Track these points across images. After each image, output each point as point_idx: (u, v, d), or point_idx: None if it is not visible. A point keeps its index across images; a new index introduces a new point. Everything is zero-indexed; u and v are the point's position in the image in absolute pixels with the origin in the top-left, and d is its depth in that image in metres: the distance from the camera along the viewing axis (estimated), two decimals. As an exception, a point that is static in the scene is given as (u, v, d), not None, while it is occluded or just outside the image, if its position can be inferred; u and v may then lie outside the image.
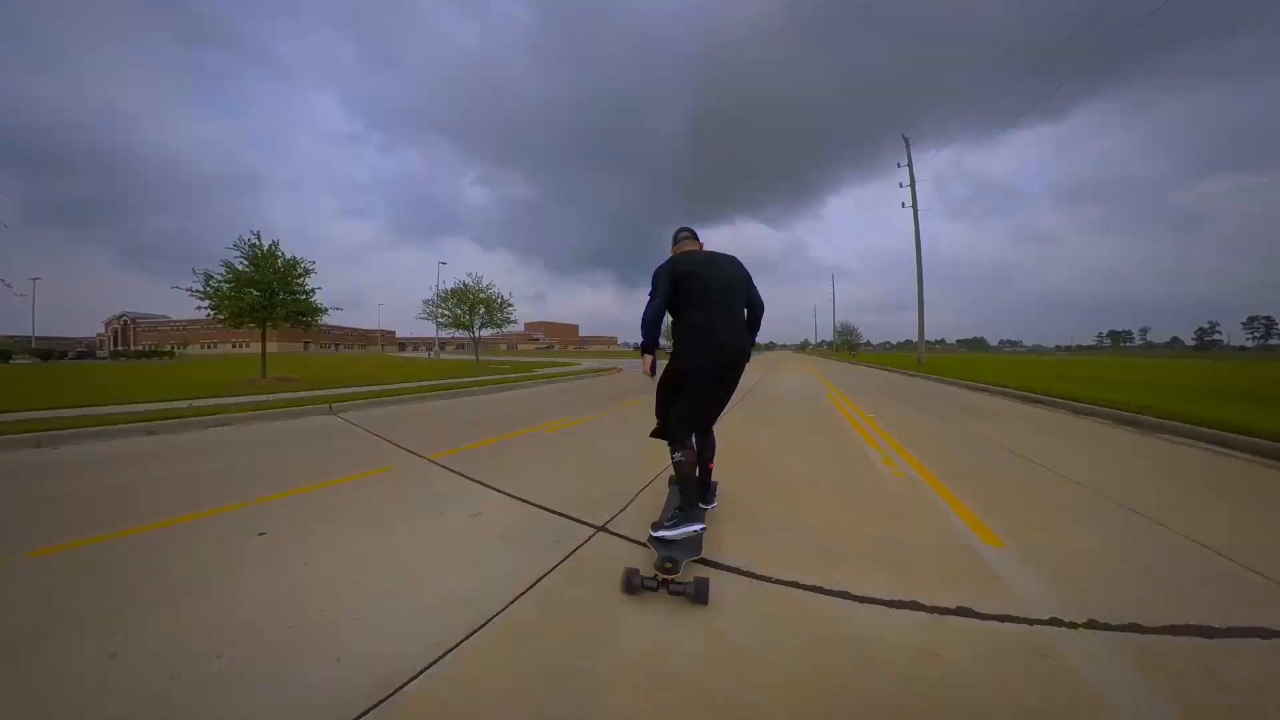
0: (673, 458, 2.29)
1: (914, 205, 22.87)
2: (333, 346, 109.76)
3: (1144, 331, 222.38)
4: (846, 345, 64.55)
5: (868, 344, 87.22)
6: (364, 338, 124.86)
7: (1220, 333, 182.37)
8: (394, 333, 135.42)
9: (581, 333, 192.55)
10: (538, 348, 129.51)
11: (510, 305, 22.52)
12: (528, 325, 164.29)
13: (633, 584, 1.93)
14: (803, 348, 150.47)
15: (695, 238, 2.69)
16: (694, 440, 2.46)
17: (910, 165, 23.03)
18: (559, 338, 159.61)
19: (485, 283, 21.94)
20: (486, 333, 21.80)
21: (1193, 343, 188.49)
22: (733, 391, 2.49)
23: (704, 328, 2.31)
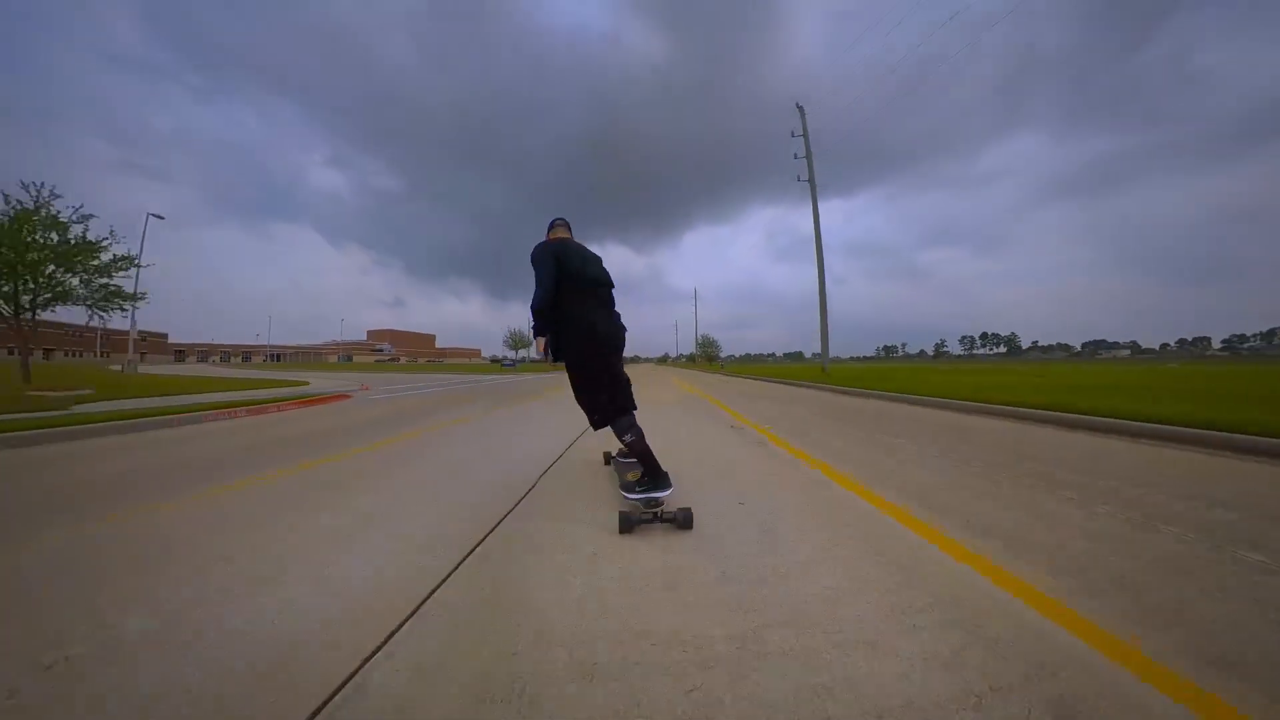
0: (624, 440, 2.25)
1: (811, 180, 17.33)
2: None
3: (904, 345, 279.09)
4: (706, 357, 61.33)
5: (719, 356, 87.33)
6: (76, 339, 73.97)
7: (947, 347, 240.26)
8: (165, 336, 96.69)
9: (441, 344, 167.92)
10: (378, 359, 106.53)
11: (129, 262, 10.59)
12: (371, 333, 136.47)
13: (629, 522, 2.01)
14: (663, 361, 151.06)
15: (568, 228, 2.67)
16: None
17: (806, 136, 17.56)
18: (410, 348, 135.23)
19: (53, 208, 9.56)
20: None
21: (931, 354, 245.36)
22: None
23: (587, 315, 2.29)
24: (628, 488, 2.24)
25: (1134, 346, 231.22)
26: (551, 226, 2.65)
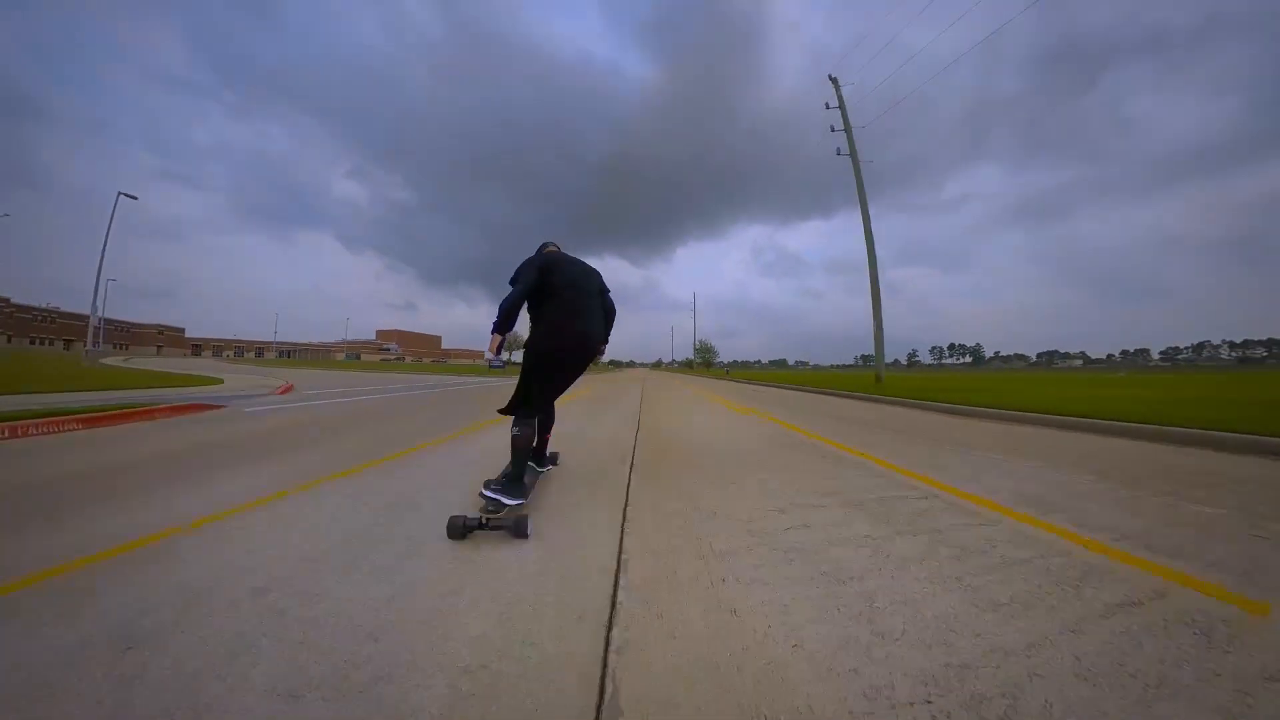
0: (512, 431, 2.05)
1: (852, 151, 13.98)
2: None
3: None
4: (704, 362, 57.73)
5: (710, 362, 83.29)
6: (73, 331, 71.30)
7: (919, 357, 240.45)
8: (182, 331, 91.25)
9: (449, 345, 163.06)
10: (384, 358, 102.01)
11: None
12: (380, 333, 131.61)
13: (459, 529, 1.70)
14: (657, 365, 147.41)
15: (559, 249, 2.58)
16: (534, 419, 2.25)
17: (843, 109, 14.23)
18: (416, 348, 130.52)
19: None
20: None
21: (905, 363, 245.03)
22: (580, 373, 2.36)
23: (567, 316, 2.17)
24: (489, 482, 1.96)
25: (1084, 357, 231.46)
26: (540, 249, 2.51)
